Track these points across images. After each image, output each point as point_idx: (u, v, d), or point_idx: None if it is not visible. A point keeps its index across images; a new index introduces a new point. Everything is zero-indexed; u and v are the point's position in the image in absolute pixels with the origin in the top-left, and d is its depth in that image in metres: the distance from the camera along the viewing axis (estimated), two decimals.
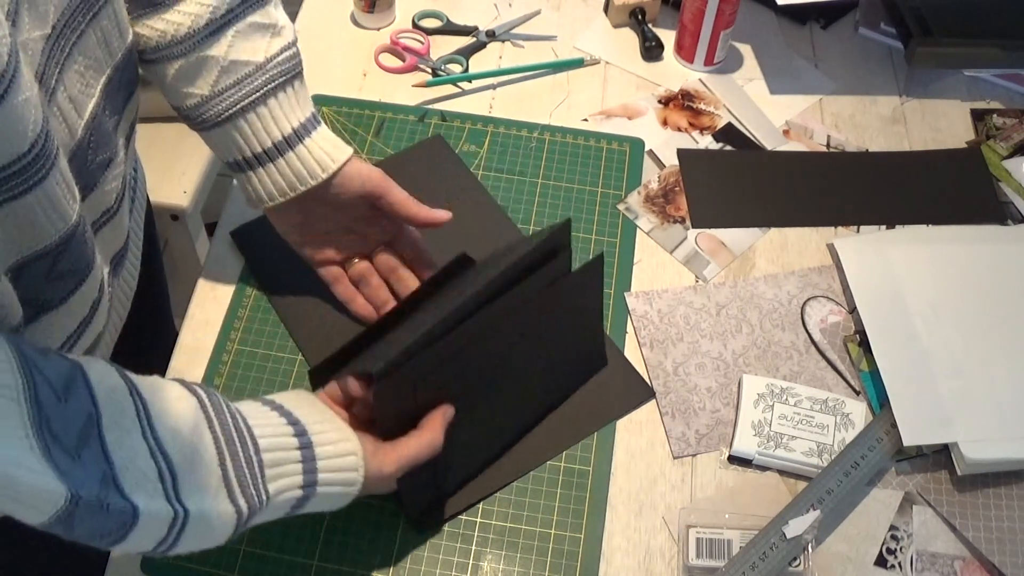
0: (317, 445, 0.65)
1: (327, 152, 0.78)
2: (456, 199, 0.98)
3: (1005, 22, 1.12)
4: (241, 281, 0.92)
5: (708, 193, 1.01)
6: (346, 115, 1.05)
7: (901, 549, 0.78)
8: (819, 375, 0.88)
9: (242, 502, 0.60)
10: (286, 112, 0.76)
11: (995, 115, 1.08)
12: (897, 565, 0.77)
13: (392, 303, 0.86)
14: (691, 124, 1.07)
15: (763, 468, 0.82)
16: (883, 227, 0.99)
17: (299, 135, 0.77)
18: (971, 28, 1.11)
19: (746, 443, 0.82)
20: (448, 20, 1.17)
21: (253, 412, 0.64)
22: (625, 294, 0.92)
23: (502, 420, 0.80)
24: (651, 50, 1.13)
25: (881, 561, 0.78)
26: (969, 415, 0.82)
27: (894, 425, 0.81)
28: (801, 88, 1.12)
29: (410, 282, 0.86)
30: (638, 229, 0.98)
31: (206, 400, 0.61)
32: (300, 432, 0.65)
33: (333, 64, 1.12)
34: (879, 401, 0.85)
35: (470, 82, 1.10)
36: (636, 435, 0.84)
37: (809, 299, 0.93)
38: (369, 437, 0.69)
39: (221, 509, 0.59)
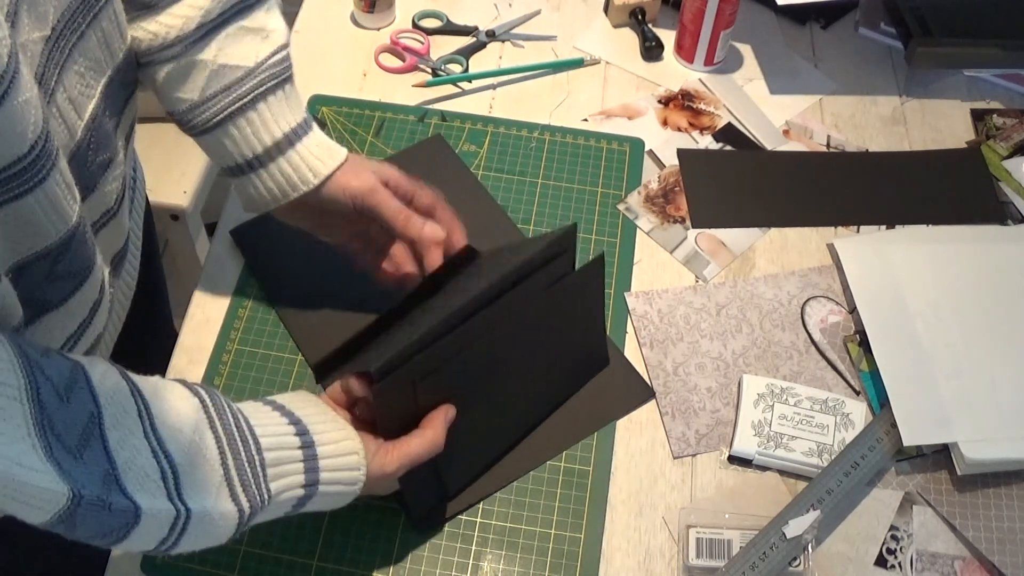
0: (319, 444, 0.65)
1: (319, 157, 0.77)
2: (456, 199, 0.97)
3: (1005, 22, 1.12)
4: (241, 281, 0.92)
5: (708, 193, 1.01)
6: (346, 115, 1.05)
7: (901, 549, 0.78)
8: (819, 375, 0.88)
9: (244, 501, 0.60)
10: (276, 116, 0.76)
11: (995, 115, 1.08)
12: (897, 565, 0.77)
13: (413, 271, 0.82)
14: (691, 124, 1.07)
15: (763, 468, 0.82)
16: (883, 227, 0.99)
17: (290, 140, 0.76)
18: (971, 28, 1.11)
19: (746, 443, 0.82)
20: (448, 20, 1.17)
21: (255, 412, 0.64)
22: (625, 294, 0.92)
23: (504, 420, 0.80)
24: (651, 50, 1.13)
25: (881, 561, 0.78)
26: (969, 415, 0.82)
27: (894, 425, 0.81)
28: (801, 88, 1.12)
29: (436, 256, 0.81)
30: (638, 229, 0.98)
31: (207, 400, 0.61)
32: (302, 431, 0.65)
33: (333, 64, 1.12)
34: (879, 401, 0.85)
35: (470, 82, 1.10)
36: (636, 435, 0.84)
37: (809, 299, 0.93)
38: (371, 437, 0.69)
39: (223, 508, 0.59)
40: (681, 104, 1.09)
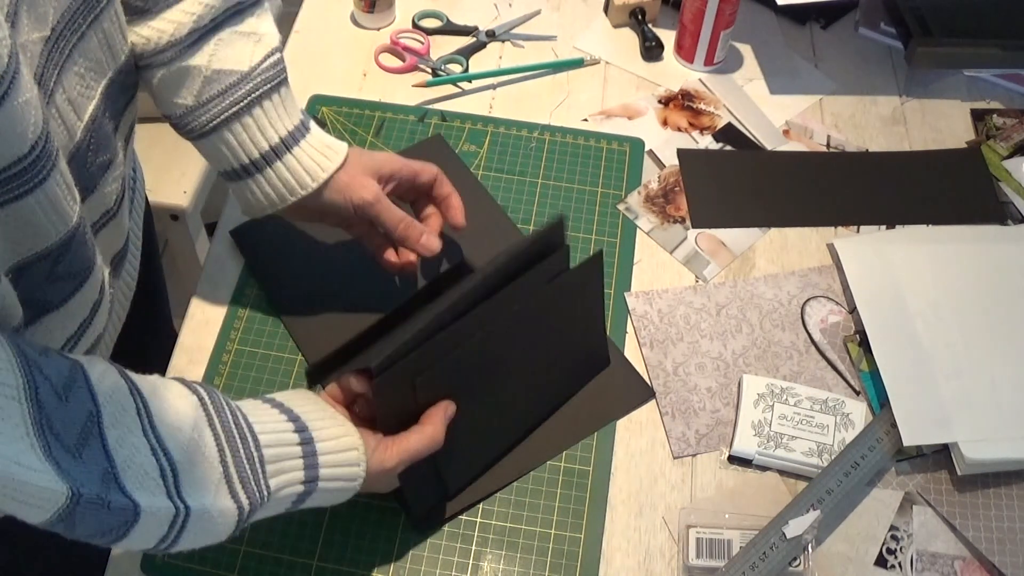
0: (318, 440, 0.65)
1: (316, 161, 0.77)
2: None
3: (1005, 22, 1.12)
4: (241, 281, 0.92)
5: (708, 193, 1.01)
6: (346, 115, 1.05)
7: (901, 549, 0.78)
8: (819, 375, 0.88)
9: (243, 498, 0.60)
10: (272, 121, 0.76)
11: (995, 115, 1.08)
12: (897, 565, 0.77)
13: (415, 259, 0.84)
14: (691, 124, 1.07)
15: (763, 468, 0.82)
16: (883, 227, 0.99)
17: (287, 144, 0.76)
18: (971, 28, 1.11)
19: (746, 443, 0.82)
20: (448, 20, 1.17)
21: (253, 409, 0.64)
22: (625, 294, 0.92)
23: (505, 419, 0.80)
24: (651, 50, 1.13)
25: (881, 561, 0.78)
26: (969, 415, 0.82)
27: (894, 425, 0.81)
28: (801, 88, 1.12)
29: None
30: (638, 229, 0.98)
31: (206, 398, 0.61)
32: (301, 428, 0.65)
33: (333, 64, 1.12)
34: (879, 401, 0.85)
35: (470, 82, 1.10)
36: (636, 435, 0.84)
37: (809, 299, 0.93)
38: (370, 433, 0.69)
39: (222, 505, 0.59)
40: (681, 104, 1.09)
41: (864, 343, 0.88)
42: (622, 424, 0.84)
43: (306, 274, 0.91)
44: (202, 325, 0.90)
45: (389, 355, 0.67)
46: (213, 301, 0.91)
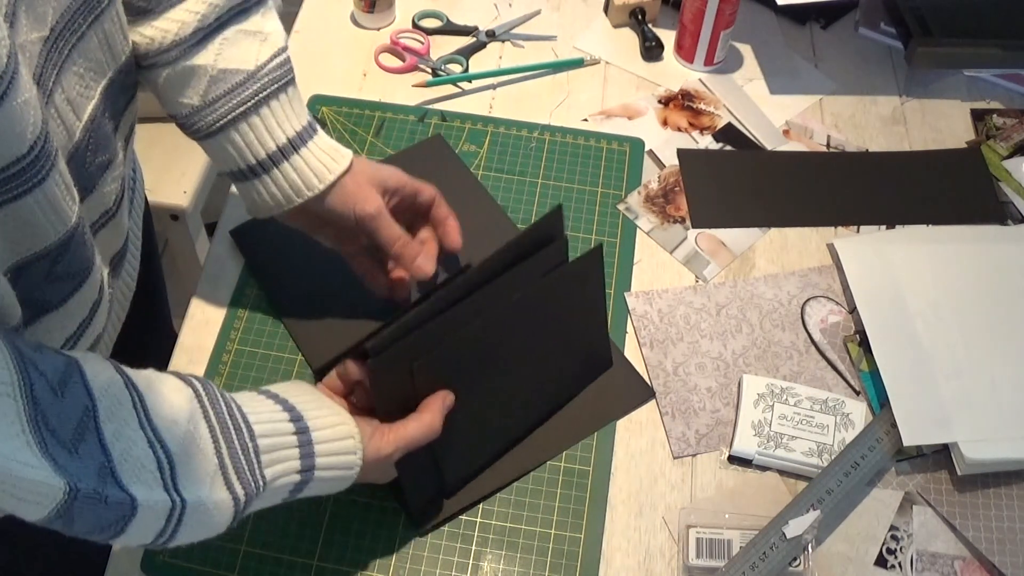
0: (314, 430, 0.65)
1: (324, 163, 0.77)
2: (456, 199, 0.98)
3: (1005, 22, 1.12)
4: (241, 281, 0.92)
5: (708, 193, 1.01)
6: (346, 115, 1.05)
7: (901, 549, 0.78)
8: (819, 375, 0.88)
9: (239, 489, 0.60)
10: (280, 121, 0.76)
11: (995, 115, 1.08)
12: (897, 565, 0.77)
13: (404, 276, 0.84)
14: (691, 124, 1.07)
15: (763, 468, 0.82)
16: (883, 227, 0.99)
17: (295, 145, 0.76)
18: (971, 28, 1.11)
19: (746, 443, 0.82)
20: (448, 20, 1.17)
21: (248, 400, 0.64)
22: (625, 294, 0.92)
23: (505, 415, 0.80)
24: (651, 50, 1.13)
25: (881, 561, 0.78)
26: (969, 415, 0.82)
27: (894, 425, 0.81)
28: (801, 88, 1.12)
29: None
30: (638, 229, 0.98)
31: (201, 390, 0.61)
32: (296, 418, 0.65)
33: (333, 64, 1.12)
34: (879, 401, 0.85)
35: (470, 82, 1.10)
36: (636, 435, 0.84)
37: (809, 299, 0.93)
38: (367, 420, 0.69)
39: (217, 497, 0.59)
40: (681, 104, 1.09)
41: (864, 343, 0.88)
42: (622, 424, 0.84)
43: (306, 274, 0.91)
44: (202, 325, 0.90)
45: (385, 337, 0.67)
46: (213, 301, 0.91)
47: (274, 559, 0.76)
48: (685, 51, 1.12)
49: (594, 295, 0.84)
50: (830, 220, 0.99)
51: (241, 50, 0.74)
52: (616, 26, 1.18)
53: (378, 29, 1.16)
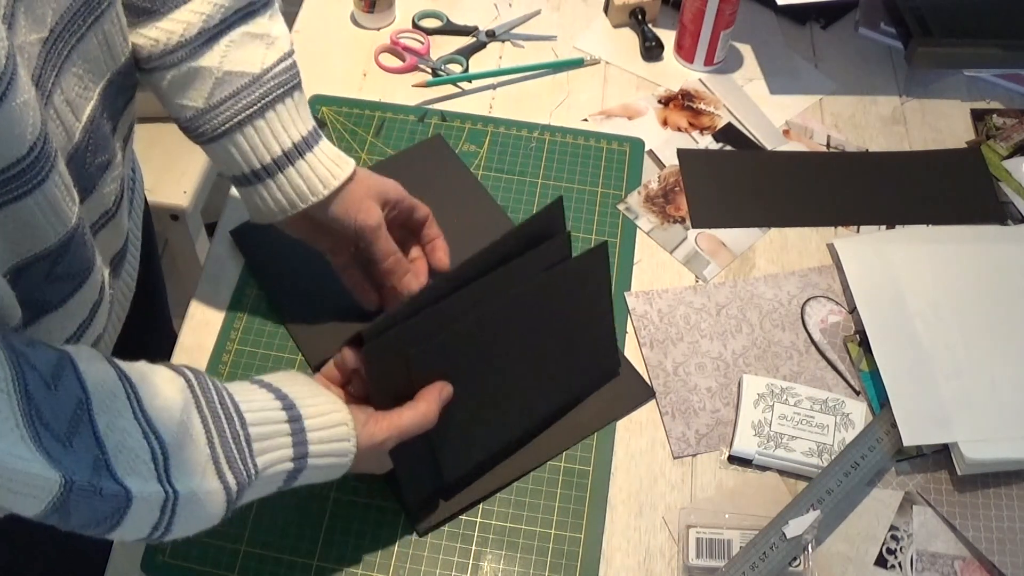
0: (307, 418, 0.65)
1: (328, 170, 0.76)
2: (456, 199, 0.98)
3: (1005, 22, 1.12)
4: (241, 281, 0.92)
5: (708, 193, 1.01)
6: (346, 115, 1.06)
7: (901, 549, 0.78)
8: (819, 375, 0.88)
9: (230, 478, 0.60)
10: (285, 125, 0.75)
11: (995, 115, 1.08)
12: (897, 565, 0.77)
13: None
14: (691, 124, 1.07)
15: (763, 468, 0.82)
16: (883, 227, 0.99)
17: (300, 150, 0.76)
18: (971, 28, 1.11)
19: (746, 443, 0.82)
20: (448, 20, 1.17)
21: (241, 390, 0.64)
22: (625, 294, 0.92)
23: (505, 413, 0.80)
24: (651, 50, 1.13)
25: (881, 561, 0.78)
26: (969, 415, 0.82)
27: (894, 425, 0.81)
28: (801, 88, 1.12)
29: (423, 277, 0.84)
30: (638, 229, 0.98)
31: (192, 380, 0.61)
32: (289, 406, 0.64)
33: (333, 64, 1.12)
34: (879, 401, 0.85)
35: (470, 82, 1.10)
36: (636, 435, 0.84)
37: (809, 299, 0.93)
38: (361, 408, 0.69)
39: (209, 487, 0.59)
40: (681, 104, 1.09)
41: (864, 343, 0.88)
42: (622, 424, 0.84)
43: (306, 274, 0.91)
44: (202, 325, 0.90)
45: (380, 323, 0.67)
46: (213, 301, 0.91)
47: (274, 559, 0.76)
48: (685, 51, 1.12)
49: (600, 297, 0.83)
50: (830, 220, 0.99)
51: (247, 53, 0.73)
52: (616, 26, 1.18)
53: (378, 29, 1.16)
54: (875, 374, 0.86)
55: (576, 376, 0.84)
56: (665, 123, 1.07)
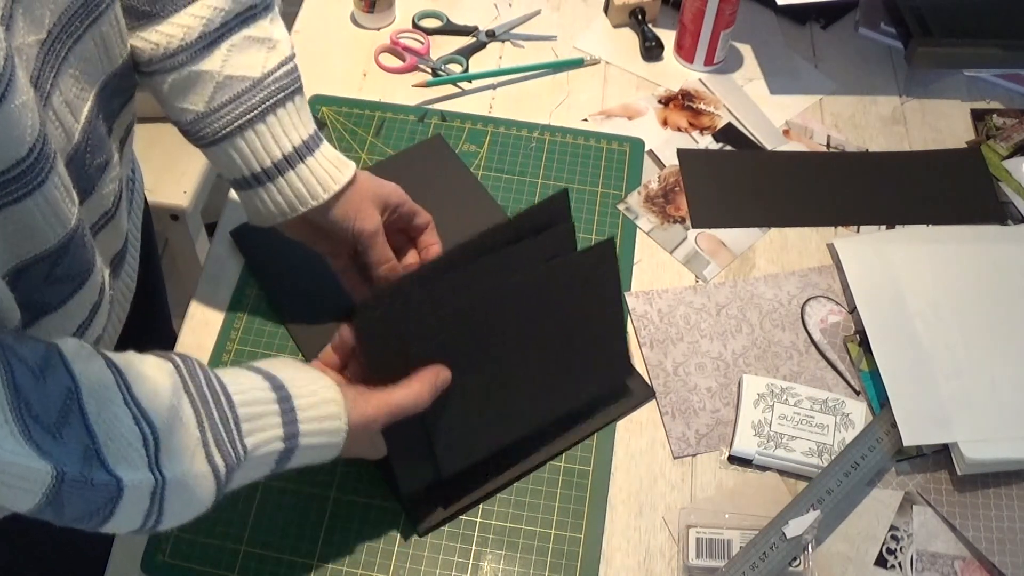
0: (296, 397, 0.64)
1: (329, 173, 0.76)
2: (456, 199, 0.98)
3: (1005, 22, 1.12)
4: (241, 281, 0.93)
5: (708, 193, 1.01)
6: (346, 115, 1.06)
7: (901, 549, 0.78)
8: (819, 375, 0.88)
9: (219, 461, 0.59)
10: (286, 130, 0.75)
11: (995, 115, 1.08)
12: (897, 565, 0.77)
13: None
14: (691, 124, 1.07)
15: (763, 468, 0.82)
16: (883, 227, 0.99)
17: (300, 154, 0.76)
18: (971, 28, 1.11)
19: (746, 443, 0.82)
20: (448, 20, 1.17)
21: (229, 374, 0.64)
22: (625, 294, 0.92)
23: (505, 408, 0.79)
24: (651, 50, 1.13)
25: (881, 561, 0.78)
26: (969, 415, 0.82)
27: (894, 425, 0.81)
28: (801, 88, 1.12)
29: None
30: (638, 229, 0.98)
31: (180, 364, 0.61)
32: (278, 386, 0.64)
33: (333, 64, 1.12)
34: (879, 401, 0.85)
35: (470, 82, 1.10)
36: (636, 435, 0.84)
37: (809, 299, 0.93)
38: (353, 386, 0.68)
39: (198, 471, 0.58)
40: (681, 104, 1.09)
41: (864, 343, 0.88)
42: (622, 424, 0.84)
43: (306, 275, 0.91)
44: (202, 325, 0.90)
45: (374, 295, 0.66)
46: (213, 301, 0.91)
47: (274, 559, 0.76)
48: (685, 51, 1.12)
49: (610, 294, 0.81)
50: (830, 220, 0.99)
51: (248, 57, 0.73)
52: (616, 26, 1.18)
53: (378, 29, 1.16)
54: (875, 374, 0.86)
55: (582, 380, 0.83)
56: (665, 123, 1.07)
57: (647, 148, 1.05)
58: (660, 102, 1.10)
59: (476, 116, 1.06)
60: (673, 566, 0.77)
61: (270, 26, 0.75)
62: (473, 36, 1.15)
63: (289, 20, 1.17)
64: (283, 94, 0.75)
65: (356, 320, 0.67)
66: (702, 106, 1.09)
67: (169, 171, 1.45)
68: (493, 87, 1.10)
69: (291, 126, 0.75)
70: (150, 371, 0.59)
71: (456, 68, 1.12)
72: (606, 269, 0.81)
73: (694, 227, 0.98)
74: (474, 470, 0.80)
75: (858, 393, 0.86)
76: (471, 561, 0.77)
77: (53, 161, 0.55)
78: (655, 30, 1.15)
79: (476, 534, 0.78)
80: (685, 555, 0.77)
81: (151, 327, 1.04)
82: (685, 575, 0.77)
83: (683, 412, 0.85)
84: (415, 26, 1.16)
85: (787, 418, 0.83)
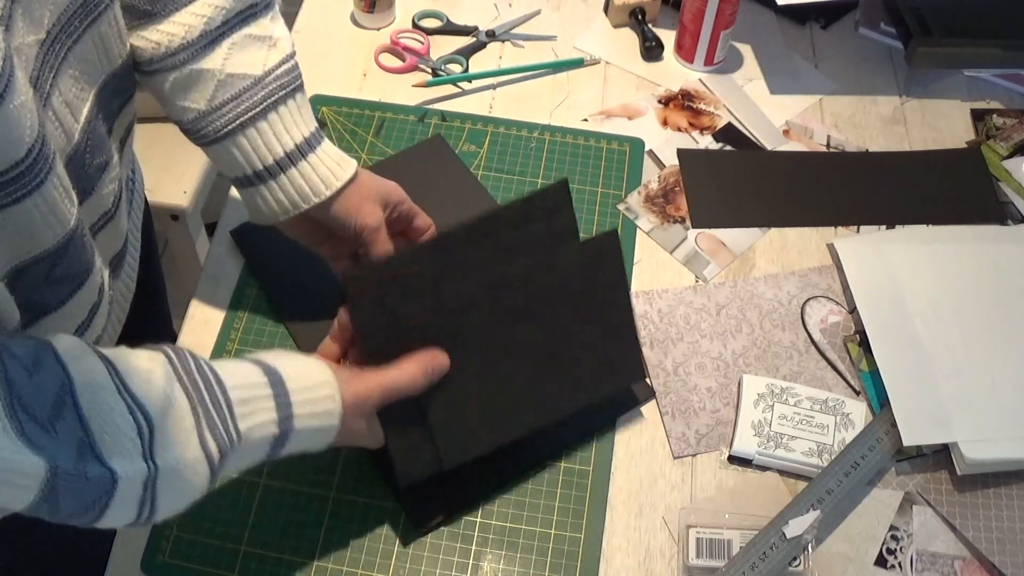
0: (289, 380, 0.64)
1: (331, 170, 0.76)
2: (456, 199, 0.98)
3: (1005, 22, 1.12)
4: (241, 281, 0.93)
5: (708, 193, 1.01)
6: (346, 115, 1.06)
7: (901, 549, 0.78)
8: (819, 375, 0.88)
9: (212, 446, 0.59)
10: (288, 127, 0.75)
11: (995, 115, 1.08)
12: (897, 565, 0.77)
13: None
14: (691, 124, 1.07)
15: (763, 468, 0.82)
16: (883, 227, 0.99)
17: (302, 151, 0.76)
18: (971, 28, 1.11)
19: (746, 443, 0.82)
20: (448, 20, 1.17)
21: (220, 362, 0.64)
22: None
23: (510, 399, 0.77)
24: (651, 50, 1.13)
25: (881, 561, 0.78)
26: (969, 415, 0.82)
27: (894, 425, 0.81)
28: (801, 88, 1.12)
29: None
30: (638, 229, 0.98)
31: (171, 353, 0.61)
32: (269, 371, 0.64)
33: (333, 64, 1.12)
34: (879, 401, 0.85)
35: (470, 82, 1.10)
36: (636, 435, 0.84)
37: (809, 299, 0.93)
38: (346, 367, 0.68)
39: (192, 457, 0.58)
40: (681, 104, 1.09)
41: (864, 343, 0.88)
42: (622, 424, 0.84)
43: (306, 274, 0.91)
44: (202, 325, 0.90)
45: (366, 265, 0.66)
46: (213, 301, 0.91)
47: (274, 559, 0.76)
48: (685, 51, 1.12)
49: (615, 289, 0.80)
50: (830, 220, 0.99)
51: (249, 55, 0.73)
52: (616, 26, 1.18)
53: (378, 29, 1.16)
54: (875, 374, 0.86)
55: (591, 376, 0.80)
56: (665, 123, 1.07)
57: (647, 148, 1.05)
58: (660, 102, 1.10)
59: (476, 116, 1.06)
60: (673, 566, 0.77)
61: (270, 24, 0.75)
62: (473, 36, 1.15)
63: (289, 20, 1.17)
64: (284, 92, 0.75)
65: (347, 288, 0.66)
66: (702, 106, 1.09)
67: (169, 171, 1.45)
68: (493, 87, 1.10)
69: (292, 123, 0.75)
70: (142, 362, 0.59)
71: (456, 68, 1.12)
72: (610, 259, 0.79)
73: (694, 227, 0.98)
74: (474, 469, 0.79)
75: (858, 393, 0.86)
76: (471, 561, 0.77)
77: (52, 162, 0.55)
78: (655, 30, 1.15)
79: (476, 534, 0.78)
80: (685, 555, 0.77)
81: (151, 327, 1.04)
82: (685, 575, 0.77)
83: (683, 412, 0.85)
84: (415, 26, 1.16)
85: (787, 418, 0.83)
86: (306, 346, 0.87)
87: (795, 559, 0.75)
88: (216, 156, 0.77)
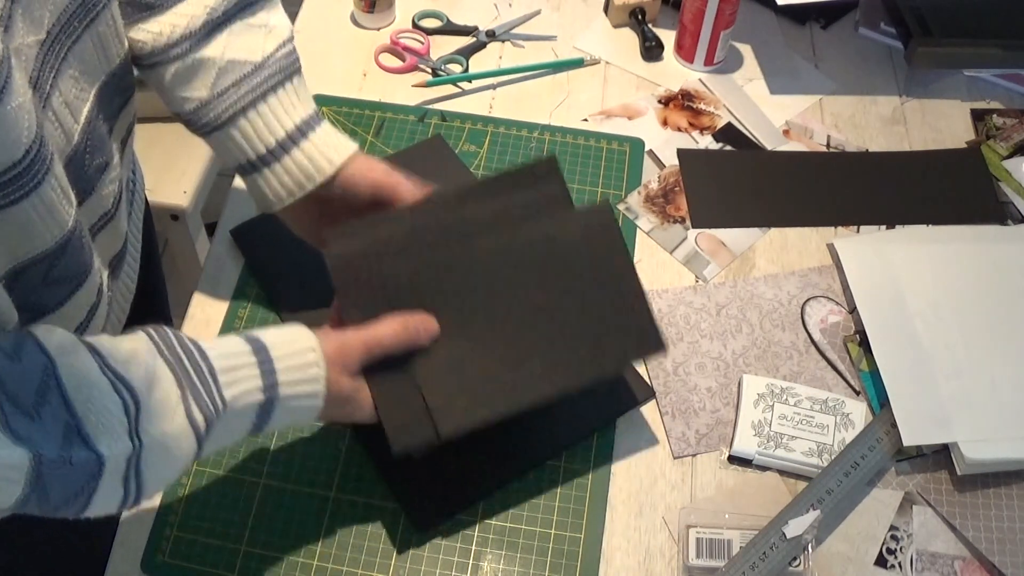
0: (272, 347, 0.64)
1: (332, 147, 0.77)
2: None
3: (1005, 22, 1.12)
4: (241, 281, 0.93)
5: (708, 193, 1.01)
6: (346, 115, 1.06)
7: (901, 549, 0.78)
8: (819, 375, 0.88)
9: (198, 415, 0.59)
10: (287, 109, 0.76)
11: (995, 115, 1.08)
12: (897, 565, 0.77)
13: None
14: (691, 124, 1.07)
15: (763, 468, 0.82)
16: (883, 227, 0.99)
17: (302, 131, 0.76)
18: (971, 28, 1.11)
19: (746, 443, 0.82)
20: (448, 20, 1.17)
21: (202, 339, 0.64)
22: None
23: (506, 369, 0.73)
24: (651, 50, 1.13)
25: (881, 561, 0.78)
26: (969, 415, 0.82)
27: (894, 425, 0.81)
28: (801, 88, 1.12)
29: None
30: (638, 229, 0.98)
31: (151, 331, 0.61)
32: (252, 339, 0.64)
33: (333, 64, 1.12)
34: (879, 401, 0.85)
35: (470, 82, 1.10)
36: (636, 435, 0.84)
37: (809, 299, 0.93)
38: (331, 332, 0.68)
39: (177, 429, 0.58)
40: (681, 104, 1.09)
41: (864, 343, 0.88)
42: (622, 424, 0.84)
43: (306, 274, 0.91)
44: (202, 325, 0.90)
45: (348, 225, 0.65)
46: (213, 301, 0.91)
47: (274, 559, 0.76)
48: (685, 51, 1.12)
49: (617, 260, 0.77)
50: (830, 220, 0.99)
51: (248, 41, 0.74)
52: (616, 26, 1.18)
53: (378, 29, 1.16)
54: (875, 374, 0.86)
55: (595, 345, 0.75)
56: (665, 123, 1.07)
57: (647, 148, 1.05)
58: (660, 102, 1.10)
59: (476, 116, 1.06)
60: (673, 566, 0.77)
61: (267, 14, 0.76)
62: (473, 36, 1.15)
63: (289, 20, 1.17)
64: (282, 75, 0.76)
65: (327, 241, 0.66)
66: (702, 106, 1.09)
67: (169, 171, 1.45)
68: (493, 87, 1.10)
69: (291, 105, 0.76)
70: (123, 343, 0.59)
71: (456, 68, 1.12)
72: (607, 229, 0.77)
73: (694, 227, 0.98)
74: (474, 469, 0.80)
75: (858, 393, 0.86)
76: (471, 561, 0.77)
77: (50, 163, 0.55)
78: (655, 30, 1.15)
79: (476, 534, 0.78)
80: (685, 555, 0.77)
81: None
82: (685, 575, 0.77)
83: (683, 412, 0.85)
84: (415, 26, 1.16)
85: (787, 418, 0.83)
86: None
87: (795, 559, 0.75)
88: (218, 145, 0.77)
